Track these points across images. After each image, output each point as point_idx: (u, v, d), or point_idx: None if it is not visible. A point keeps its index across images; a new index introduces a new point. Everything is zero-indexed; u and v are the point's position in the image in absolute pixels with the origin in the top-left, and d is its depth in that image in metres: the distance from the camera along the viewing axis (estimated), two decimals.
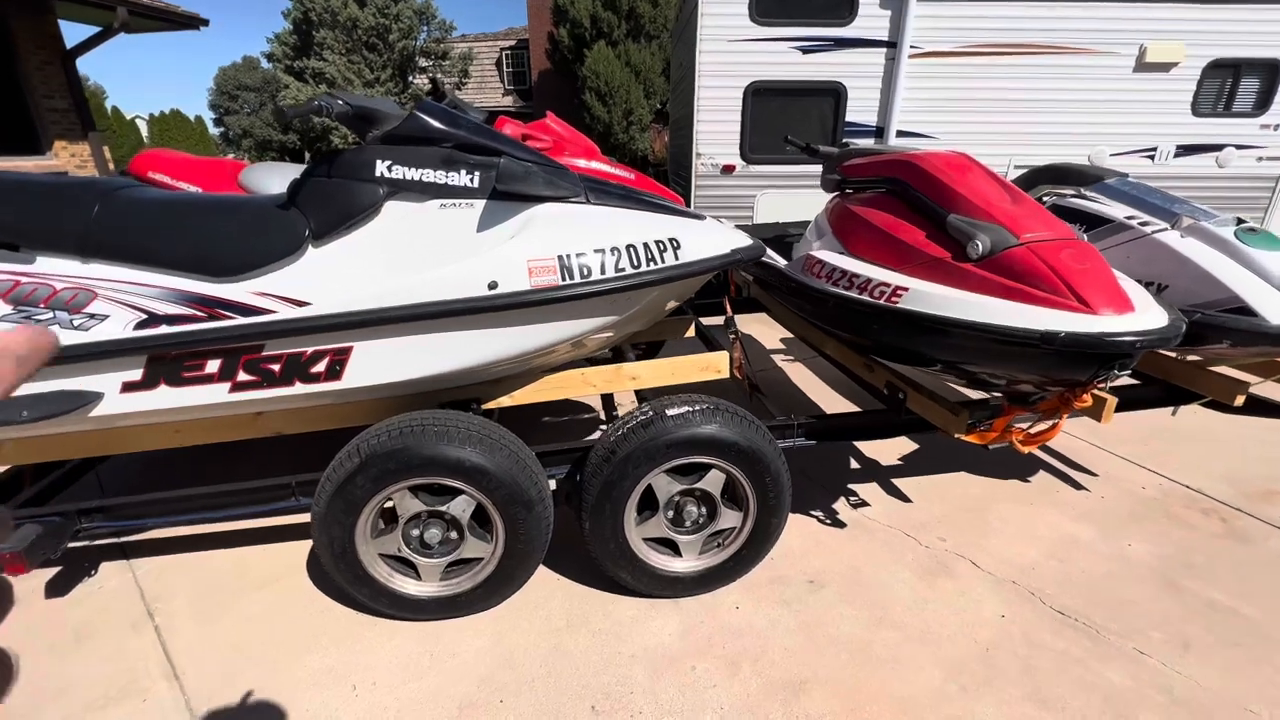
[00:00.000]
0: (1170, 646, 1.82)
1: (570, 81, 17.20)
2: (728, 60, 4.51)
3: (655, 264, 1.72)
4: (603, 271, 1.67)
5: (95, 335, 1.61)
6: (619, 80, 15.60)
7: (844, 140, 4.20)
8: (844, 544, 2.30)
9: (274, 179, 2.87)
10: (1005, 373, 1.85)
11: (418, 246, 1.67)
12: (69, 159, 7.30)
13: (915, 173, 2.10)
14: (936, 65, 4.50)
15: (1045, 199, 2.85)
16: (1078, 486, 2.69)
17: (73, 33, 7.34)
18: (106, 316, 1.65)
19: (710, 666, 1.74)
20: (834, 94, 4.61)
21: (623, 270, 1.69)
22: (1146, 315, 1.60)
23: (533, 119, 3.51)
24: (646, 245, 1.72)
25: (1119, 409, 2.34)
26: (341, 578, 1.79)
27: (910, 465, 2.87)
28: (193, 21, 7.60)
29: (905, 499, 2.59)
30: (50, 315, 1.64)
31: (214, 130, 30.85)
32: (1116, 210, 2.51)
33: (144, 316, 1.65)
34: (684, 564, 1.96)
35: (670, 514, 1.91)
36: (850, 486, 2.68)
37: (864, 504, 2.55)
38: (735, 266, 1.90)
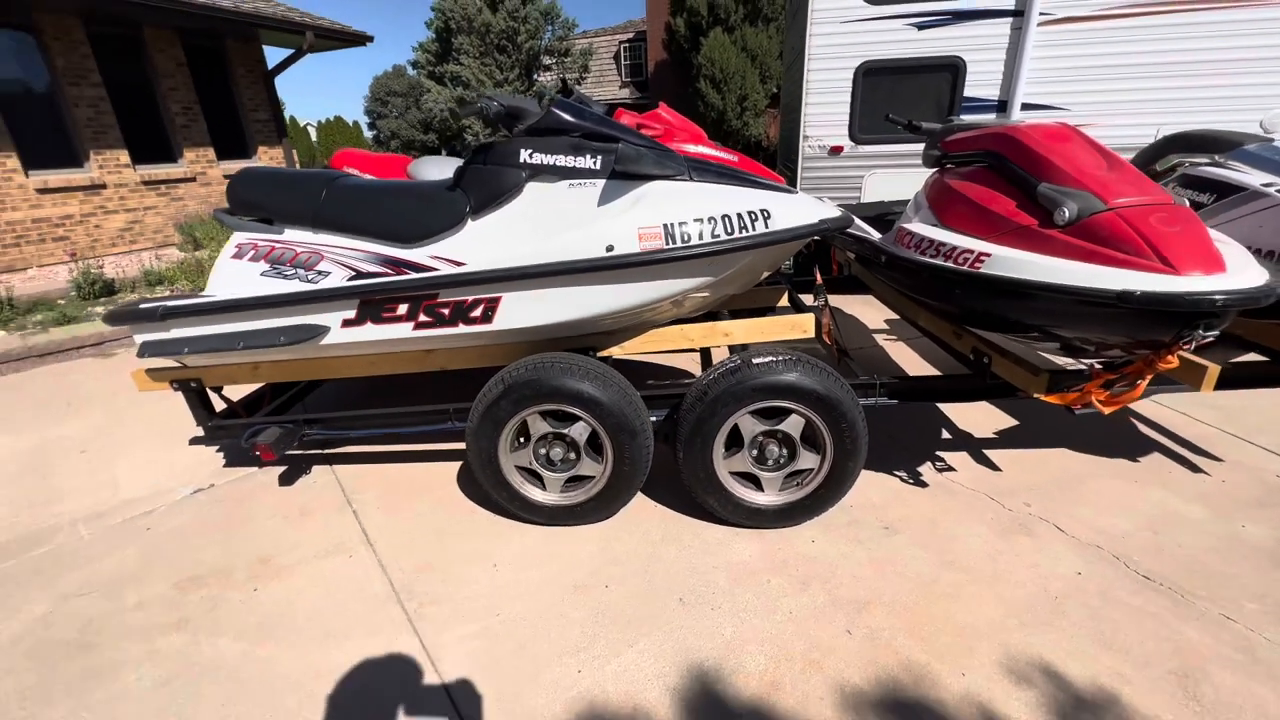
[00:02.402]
0: (1265, 617, 1.80)
1: (685, 71, 17.39)
2: (838, 42, 4.55)
3: (747, 231, 1.98)
4: (701, 238, 1.96)
5: (324, 286, 2.19)
6: (734, 66, 15.56)
7: (949, 117, 4.12)
8: (924, 500, 2.42)
9: (433, 169, 3.47)
10: (1091, 335, 1.91)
11: (551, 218, 2.06)
12: (268, 161, 8.81)
13: (1012, 145, 2.17)
14: (1070, 32, 4.23)
15: (1177, 168, 2.72)
16: (1195, 470, 2.58)
17: (270, 55, 8.83)
18: (329, 273, 2.22)
19: (783, 582, 2.00)
20: (952, 69, 4.49)
21: (718, 236, 1.97)
22: (1239, 276, 1.61)
23: (648, 109, 3.85)
24: (740, 215, 1.98)
25: (1235, 386, 2.26)
26: (486, 482, 2.26)
27: (1005, 438, 2.88)
28: (361, 39, 8.82)
29: (995, 468, 2.64)
30: (294, 271, 2.25)
31: (368, 133, 34.70)
32: (1253, 178, 2.37)
33: (354, 273, 2.20)
34: (765, 498, 2.22)
35: (754, 452, 2.17)
36: (938, 453, 2.77)
37: (950, 469, 2.64)
38: (823, 235, 2.11)
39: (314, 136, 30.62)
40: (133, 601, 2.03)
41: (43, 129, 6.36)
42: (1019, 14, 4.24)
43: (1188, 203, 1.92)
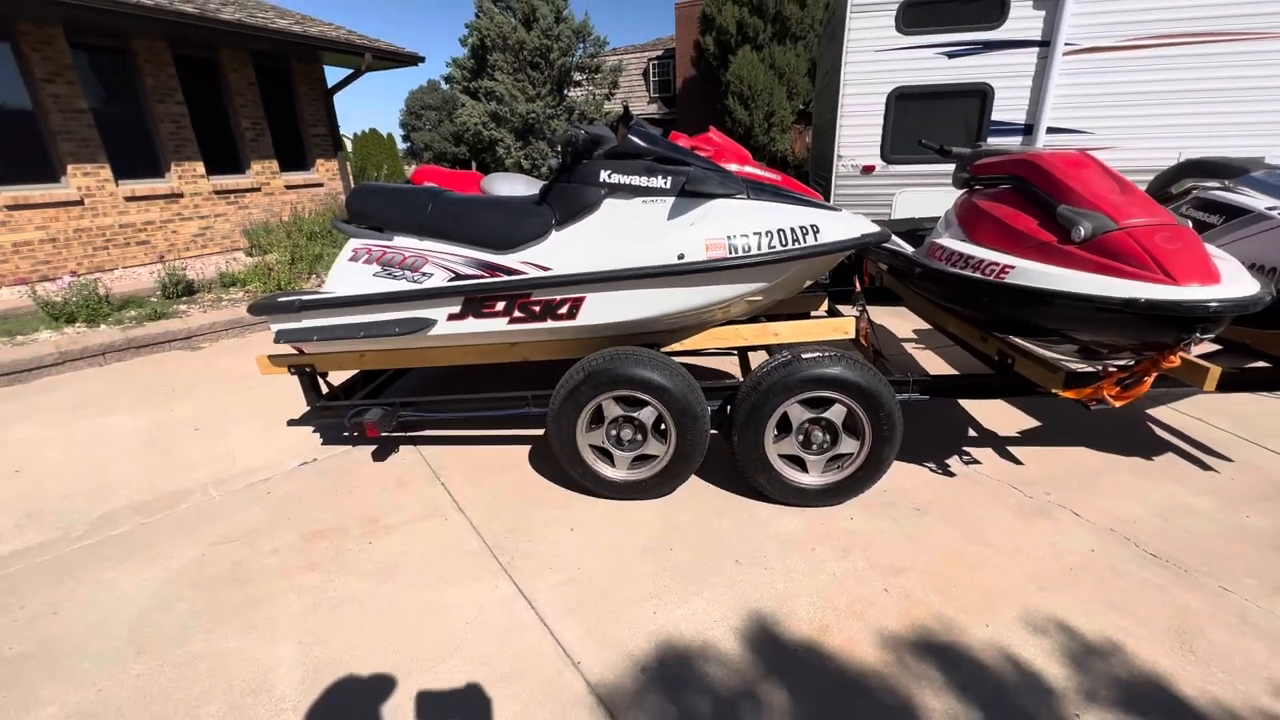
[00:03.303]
0: (1260, 590, 2.03)
1: (713, 87, 17.81)
2: (872, 69, 4.86)
3: (799, 243, 2.28)
4: (759, 248, 2.27)
5: (430, 285, 2.54)
6: (762, 84, 15.96)
7: (977, 142, 4.39)
8: (951, 487, 2.68)
9: (503, 185, 3.85)
10: (1103, 337, 2.18)
11: (626, 229, 2.39)
12: (324, 172, 9.37)
13: (1035, 170, 2.45)
14: (1094, 61, 4.48)
15: (1191, 191, 2.97)
16: (1206, 468, 2.79)
17: (329, 75, 9.41)
18: (432, 274, 2.58)
19: (826, 550, 2.28)
20: (980, 95, 4.77)
21: (774, 247, 2.28)
22: (1232, 286, 1.87)
23: (676, 125, 4.21)
24: (792, 229, 2.29)
25: (1238, 389, 2.49)
26: (564, 459, 2.58)
27: (1027, 436, 3.13)
28: (414, 59, 9.37)
29: (1017, 462, 2.89)
30: (402, 273, 2.61)
31: (402, 145, 35.87)
32: (1259, 201, 2.62)
33: (454, 275, 2.56)
34: (809, 479, 2.50)
35: (800, 437, 2.46)
36: (964, 448, 3.02)
37: (975, 461, 2.89)
38: (863, 247, 2.40)
39: (350, 148, 31.72)
40: (268, 548, 2.39)
41: (131, 142, 6.95)
42: (1045, 44, 4.51)
43: (1191, 223, 2.18)
